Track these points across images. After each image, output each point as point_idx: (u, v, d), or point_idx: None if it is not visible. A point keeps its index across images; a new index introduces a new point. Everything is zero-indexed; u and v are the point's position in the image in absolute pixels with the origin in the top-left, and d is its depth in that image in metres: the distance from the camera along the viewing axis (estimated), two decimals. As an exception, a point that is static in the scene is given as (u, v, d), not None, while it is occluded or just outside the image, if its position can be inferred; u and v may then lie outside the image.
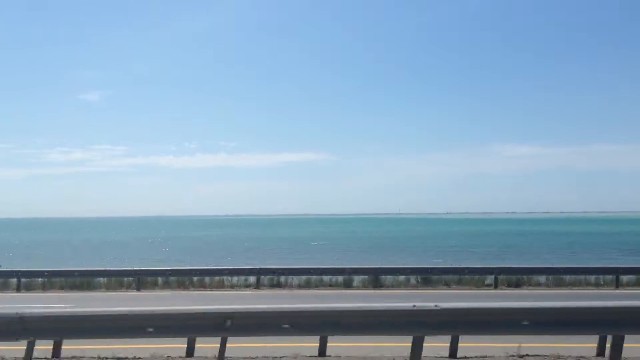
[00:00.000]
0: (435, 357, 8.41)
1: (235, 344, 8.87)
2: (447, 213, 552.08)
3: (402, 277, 20.16)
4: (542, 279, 19.85)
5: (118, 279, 20.37)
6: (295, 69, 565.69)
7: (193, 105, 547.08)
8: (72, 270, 21.07)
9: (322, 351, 8.58)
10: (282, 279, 20.24)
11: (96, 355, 8.91)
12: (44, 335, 7.93)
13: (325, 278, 20.31)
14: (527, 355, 8.54)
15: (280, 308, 8.07)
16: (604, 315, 7.70)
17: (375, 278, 19.79)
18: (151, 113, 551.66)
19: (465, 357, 8.46)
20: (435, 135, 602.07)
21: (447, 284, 19.76)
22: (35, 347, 8.08)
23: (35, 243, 70.76)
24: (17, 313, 7.54)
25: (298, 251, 51.22)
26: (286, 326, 7.59)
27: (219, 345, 8.01)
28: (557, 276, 19.72)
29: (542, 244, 61.71)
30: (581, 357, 8.36)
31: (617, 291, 18.25)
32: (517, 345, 8.64)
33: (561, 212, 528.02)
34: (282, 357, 8.72)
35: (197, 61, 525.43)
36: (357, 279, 20.15)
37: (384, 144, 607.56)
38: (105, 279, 20.53)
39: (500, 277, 19.61)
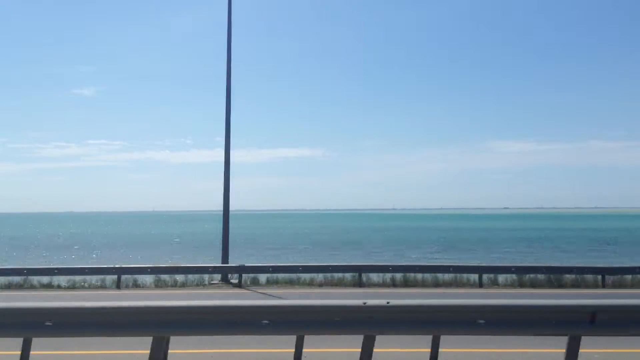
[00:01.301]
0: None
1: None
2: (441, 209, 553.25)
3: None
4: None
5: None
6: (292, 66, 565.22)
7: (189, 101, 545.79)
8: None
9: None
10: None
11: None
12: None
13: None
14: None
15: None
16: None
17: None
18: (147, 109, 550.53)
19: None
20: (432, 132, 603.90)
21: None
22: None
23: None
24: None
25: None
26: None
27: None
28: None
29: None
30: None
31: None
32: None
33: (554, 208, 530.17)
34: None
35: (194, 57, 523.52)
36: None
37: (381, 140, 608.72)
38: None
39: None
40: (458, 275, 18.46)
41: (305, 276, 19.10)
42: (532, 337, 7.81)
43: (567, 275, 18.01)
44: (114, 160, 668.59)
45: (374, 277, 18.95)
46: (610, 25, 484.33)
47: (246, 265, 19.72)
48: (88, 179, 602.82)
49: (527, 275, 18.20)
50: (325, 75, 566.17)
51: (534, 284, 17.78)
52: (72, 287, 18.54)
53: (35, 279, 18.82)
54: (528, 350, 8.31)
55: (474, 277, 18.21)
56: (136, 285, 18.64)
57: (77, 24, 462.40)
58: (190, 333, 6.75)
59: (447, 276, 18.46)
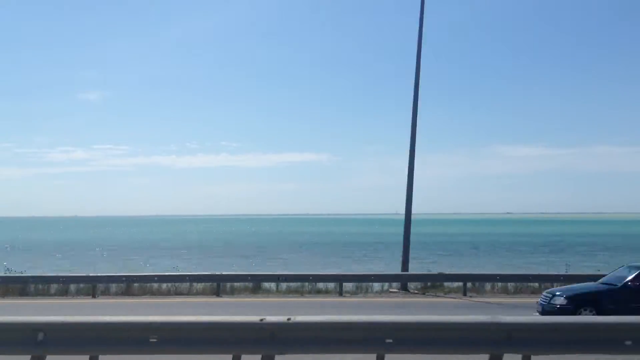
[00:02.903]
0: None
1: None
2: (444, 213, 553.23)
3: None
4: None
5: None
6: (296, 71, 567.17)
7: (195, 105, 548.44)
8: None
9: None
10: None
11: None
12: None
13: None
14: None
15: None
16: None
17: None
18: (153, 113, 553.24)
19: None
20: (436, 136, 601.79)
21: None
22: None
23: None
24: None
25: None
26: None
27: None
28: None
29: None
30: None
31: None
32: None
33: (558, 213, 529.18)
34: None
35: (199, 62, 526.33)
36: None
37: (385, 144, 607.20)
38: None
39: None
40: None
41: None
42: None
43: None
44: (120, 165, 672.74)
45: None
46: (614, 30, 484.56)
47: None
48: (94, 183, 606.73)
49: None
50: (330, 80, 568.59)
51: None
52: None
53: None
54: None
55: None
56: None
57: (82, 28, 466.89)
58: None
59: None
